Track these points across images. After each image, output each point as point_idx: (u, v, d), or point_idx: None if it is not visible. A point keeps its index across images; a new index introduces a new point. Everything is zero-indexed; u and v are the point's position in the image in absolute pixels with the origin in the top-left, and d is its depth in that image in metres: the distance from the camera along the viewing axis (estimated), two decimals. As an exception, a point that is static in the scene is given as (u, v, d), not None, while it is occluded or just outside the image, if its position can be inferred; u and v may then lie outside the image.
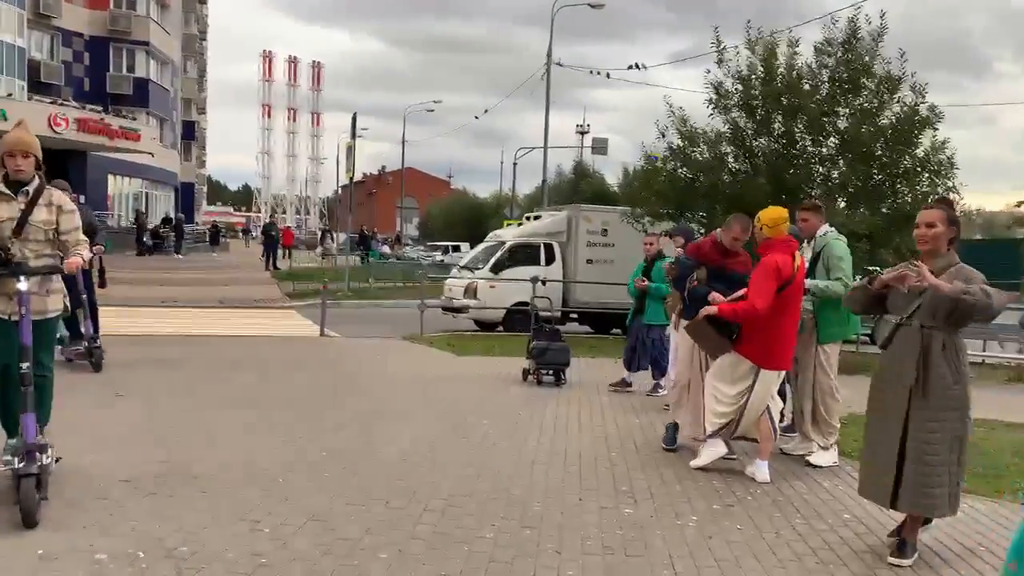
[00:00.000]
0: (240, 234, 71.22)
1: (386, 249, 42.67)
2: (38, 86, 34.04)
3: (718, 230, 6.03)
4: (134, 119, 35.48)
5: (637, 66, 25.14)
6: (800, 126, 12.29)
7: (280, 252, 30.53)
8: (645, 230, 13.54)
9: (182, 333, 12.44)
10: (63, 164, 32.19)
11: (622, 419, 7.15)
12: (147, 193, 41.66)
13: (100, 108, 32.75)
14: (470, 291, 15.14)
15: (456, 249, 41.05)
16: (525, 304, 14.73)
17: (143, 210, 38.10)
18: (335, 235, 45.04)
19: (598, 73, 28.62)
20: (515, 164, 42.75)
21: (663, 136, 13.41)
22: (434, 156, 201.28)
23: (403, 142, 48.38)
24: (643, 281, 8.32)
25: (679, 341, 6.24)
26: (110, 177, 36.29)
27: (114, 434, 5.71)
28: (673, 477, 5.28)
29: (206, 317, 15.28)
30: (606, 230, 15.65)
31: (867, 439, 4.15)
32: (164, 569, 3.40)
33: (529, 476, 5.15)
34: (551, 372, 8.82)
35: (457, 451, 5.69)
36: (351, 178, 22.86)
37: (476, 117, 55.97)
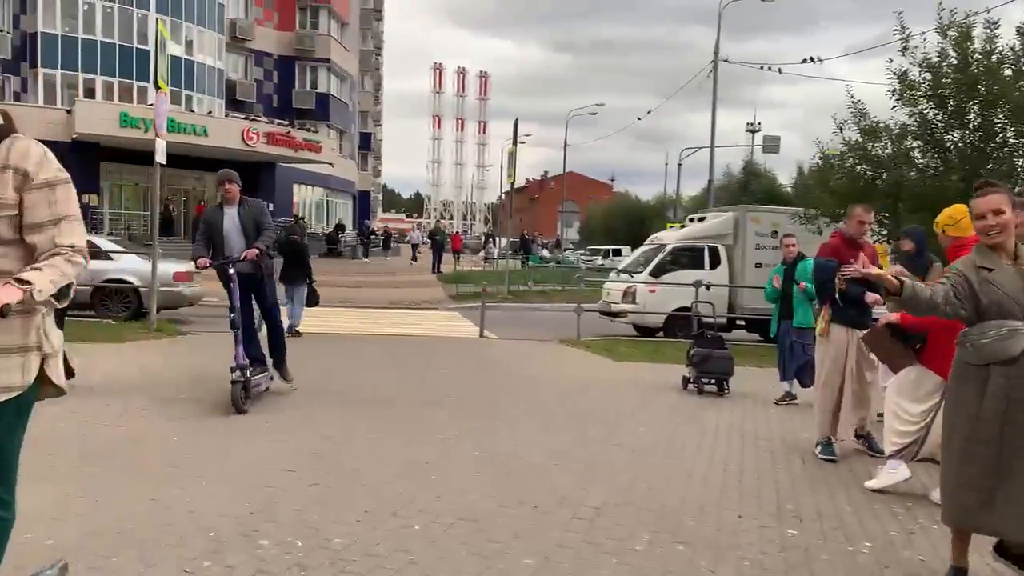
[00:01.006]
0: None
1: (545, 253, 43.01)
2: (234, 103, 37.35)
3: (841, 224, 5.85)
4: (316, 131, 38.06)
5: (812, 59, 23.78)
6: (1001, 116, 11.08)
7: (453, 256, 31.61)
8: (820, 231, 12.73)
9: (354, 332, 13.10)
10: (256, 175, 35.22)
11: (788, 433, 6.70)
12: (328, 201, 44.53)
13: (286, 122, 35.42)
14: (629, 295, 14.87)
15: (617, 253, 40.68)
16: (687, 310, 14.29)
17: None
18: (497, 239, 46.08)
19: (769, 68, 27.27)
20: (679, 165, 41.83)
21: (840, 131, 12.59)
22: (596, 159, 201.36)
23: (565, 146, 48.60)
24: (779, 280, 8.06)
25: (825, 347, 5.83)
26: (295, 186, 39.12)
27: (280, 424, 6.05)
28: (845, 498, 4.85)
29: (378, 317, 16.03)
30: (776, 232, 14.83)
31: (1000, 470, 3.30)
32: (318, 559, 3.51)
33: (685, 488, 4.91)
34: (713, 381, 8.44)
35: (610, 458, 5.54)
36: (512, 183, 23.21)
37: (639, 118, 55.17)
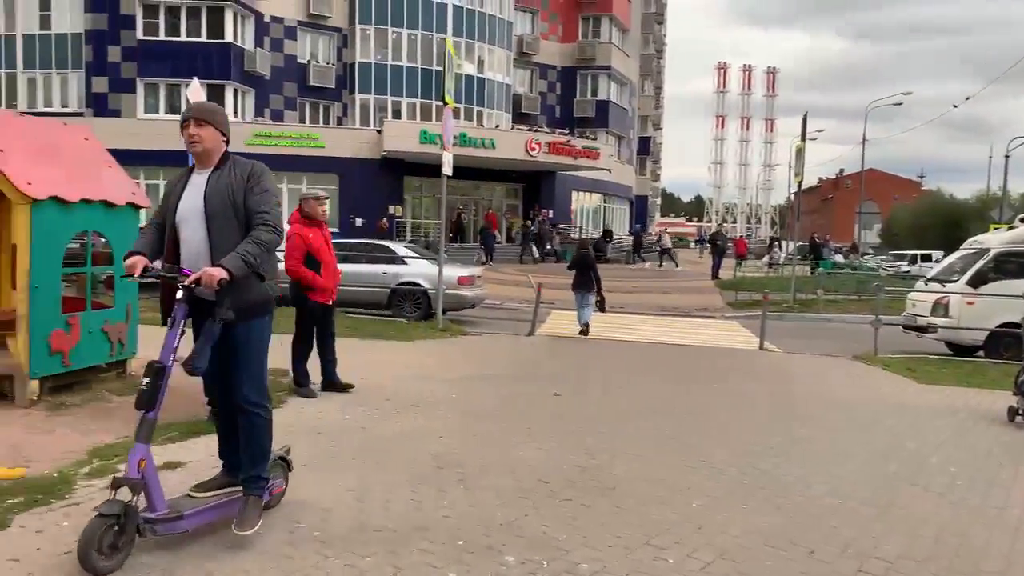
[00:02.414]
0: (691, 244, 73.10)
1: (839, 258, 39.51)
2: (519, 116, 39.27)
3: None
4: (594, 138, 38.72)
5: None
6: None
7: (736, 262, 30.34)
8: None
9: (621, 339, 12.92)
10: (537, 184, 36.78)
11: None
12: (605, 207, 45.12)
13: (566, 131, 36.47)
14: (940, 307, 12.95)
15: (927, 259, 36.14)
16: (1015, 325, 12.11)
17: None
18: (783, 244, 43.30)
19: None
20: (1007, 157, 36.05)
21: None
22: (901, 155, 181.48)
23: (863, 140, 44.28)
24: None
25: None
26: (573, 193, 40.12)
27: (542, 432, 5.98)
28: None
29: (650, 324, 15.71)
30: None
31: None
32: (563, 584, 3.31)
33: (1009, 548, 3.98)
34: (1049, 413, 6.95)
35: (911, 502, 4.70)
36: (800, 182, 21.55)
37: (955, 106, 48.36)
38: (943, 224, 48.50)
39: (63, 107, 31.09)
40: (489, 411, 6.62)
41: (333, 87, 34.87)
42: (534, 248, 32.25)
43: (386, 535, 3.75)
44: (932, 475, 5.31)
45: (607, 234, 36.79)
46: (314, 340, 7.11)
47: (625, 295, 21.30)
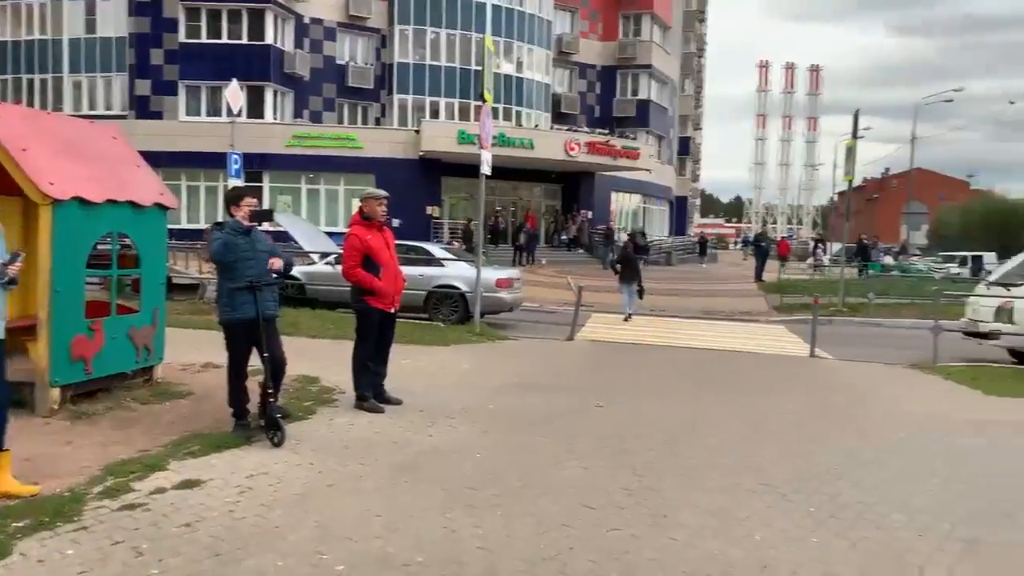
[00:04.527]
0: (731, 245, 71.98)
1: (888, 260, 38.33)
2: (558, 116, 38.81)
3: None
4: (634, 138, 38.06)
5: None
6: None
7: (779, 263, 29.51)
8: None
9: (663, 343, 12.44)
10: (576, 184, 36.28)
11: None
12: (644, 208, 44.44)
13: (606, 131, 35.89)
14: (1004, 312, 12.22)
15: (976, 260, 34.88)
16: (1087, 332, 11.39)
17: (641, 227, 40.59)
18: (828, 245, 42.17)
19: None
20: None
21: None
22: (950, 154, 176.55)
23: (912, 139, 42.94)
24: None
25: None
26: (612, 194, 39.52)
27: (586, 450, 5.58)
28: None
29: (693, 328, 15.19)
30: None
31: None
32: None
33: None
34: None
35: (1001, 537, 4.18)
36: (850, 181, 20.76)
37: (1011, 102, 46.86)
38: (995, 225, 46.96)
39: (107, 110, 31.45)
40: (528, 424, 6.24)
41: (371, 88, 34.81)
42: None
43: (414, 570, 3.39)
44: (1016, 504, 4.79)
45: (640, 235, 35.77)
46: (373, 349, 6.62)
47: (665, 297, 20.77)
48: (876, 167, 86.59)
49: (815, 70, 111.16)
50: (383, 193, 6.70)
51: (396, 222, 29.73)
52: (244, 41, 30.98)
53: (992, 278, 14.51)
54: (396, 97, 34.48)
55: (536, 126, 34.98)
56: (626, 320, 15.09)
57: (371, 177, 30.04)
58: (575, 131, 34.29)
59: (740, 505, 4.47)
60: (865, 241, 35.47)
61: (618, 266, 15.89)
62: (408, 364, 8.58)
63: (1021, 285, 12.41)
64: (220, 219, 6.28)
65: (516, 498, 4.40)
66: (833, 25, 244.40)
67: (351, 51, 34.71)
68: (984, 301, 13.01)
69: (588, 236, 33.96)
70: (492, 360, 9.66)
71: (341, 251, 6.83)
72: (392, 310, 6.65)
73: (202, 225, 22.14)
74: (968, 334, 12.89)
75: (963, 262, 35.85)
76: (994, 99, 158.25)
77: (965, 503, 4.74)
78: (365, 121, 34.84)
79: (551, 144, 31.85)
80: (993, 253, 36.94)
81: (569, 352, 11.13)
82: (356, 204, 6.79)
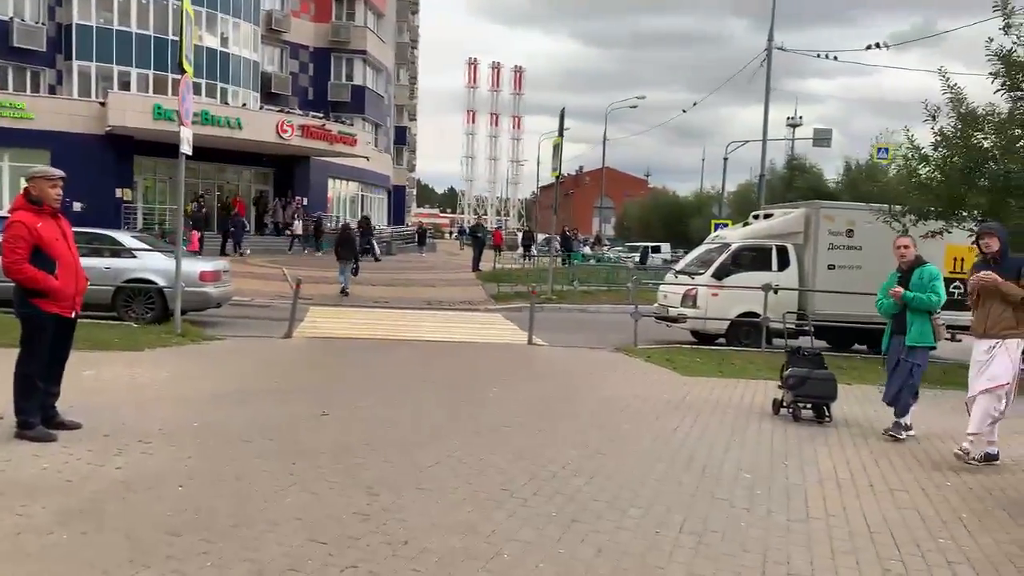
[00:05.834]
0: (447, 235, 73.81)
1: (587, 250, 41.73)
2: (269, 96, 36.64)
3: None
4: (350, 124, 37.15)
5: (878, 45, 22.19)
6: None
7: (494, 253, 30.52)
8: (906, 230, 11.42)
9: (389, 338, 12.07)
10: (290, 169, 34.50)
11: (923, 475, 5.47)
12: (363, 196, 43.73)
13: (321, 115, 34.55)
14: (688, 299, 13.64)
15: (656, 250, 39.32)
16: (752, 315, 13.08)
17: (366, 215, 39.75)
18: (536, 235, 44.82)
19: (825, 56, 25.73)
20: (725, 160, 40.17)
21: (933, 118, 11.25)
22: (631, 156, 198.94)
23: (604, 140, 47.26)
24: (898, 290, 6.68)
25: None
26: (329, 180, 38.31)
27: (310, 465, 4.98)
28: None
29: (415, 320, 14.99)
30: (851, 231, 13.53)
31: None
32: None
33: (834, 571, 3.74)
34: (811, 406, 7.24)
35: (725, 524, 4.34)
36: (558, 176, 22.01)
37: (684, 111, 53.53)
38: (668, 218, 53.39)
39: None
40: (241, 443, 5.45)
41: (44, 51, 30.03)
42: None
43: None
44: (731, 484, 5.09)
45: (365, 222, 35.08)
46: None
47: (389, 288, 20.46)
48: (570, 165, 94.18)
49: (518, 71, 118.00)
50: (58, 172, 5.41)
51: (77, 206, 25.99)
52: None
53: (678, 267, 16.17)
54: (76, 63, 30.11)
55: (244, 105, 32.66)
56: (342, 294, 17.62)
57: (45, 153, 25.78)
58: (288, 113, 32.54)
59: (484, 519, 4.18)
60: (568, 233, 38.19)
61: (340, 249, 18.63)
62: (91, 375, 7.24)
63: (702, 274, 13.93)
64: None
65: (228, 540, 3.69)
66: (534, 32, 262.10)
67: (16, 5, 29.64)
68: (672, 288, 14.43)
69: (306, 225, 32.34)
70: (197, 365, 8.55)
71: None
72: (72, 315, 5.47)
73: None
74: (659, 318, 14.21)
75: (644, 252, 40.17)
76: (665, 108, 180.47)
77: (689, 489, 4.92)
78: (36, 89, 30.01)
79: (261, 125, 29.88)
80: (668, 244, 41.93)
81: (287, 351, 10.30)
82: (24, 184, 5.43)
